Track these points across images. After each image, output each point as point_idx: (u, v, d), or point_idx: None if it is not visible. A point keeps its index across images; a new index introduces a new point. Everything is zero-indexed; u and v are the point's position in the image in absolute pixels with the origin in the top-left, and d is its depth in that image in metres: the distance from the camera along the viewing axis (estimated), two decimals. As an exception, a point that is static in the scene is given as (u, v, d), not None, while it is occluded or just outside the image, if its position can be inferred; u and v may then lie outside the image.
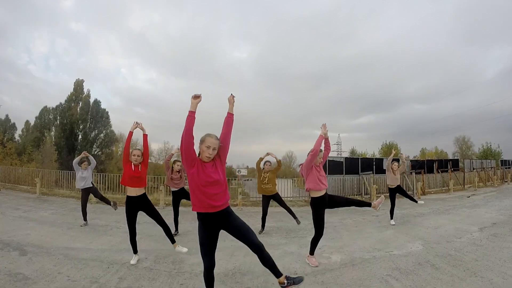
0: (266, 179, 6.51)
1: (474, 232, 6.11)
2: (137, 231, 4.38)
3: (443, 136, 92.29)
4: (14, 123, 40.74)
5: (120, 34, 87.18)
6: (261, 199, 6.85)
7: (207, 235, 2.73)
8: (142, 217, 7.85)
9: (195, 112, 2.74)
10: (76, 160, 7.01)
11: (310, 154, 4.16)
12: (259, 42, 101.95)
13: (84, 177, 6.88)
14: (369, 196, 13.65)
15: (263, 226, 6.58)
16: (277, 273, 2.85)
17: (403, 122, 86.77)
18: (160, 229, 4.50)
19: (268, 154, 6.68)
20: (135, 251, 4.37)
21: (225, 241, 5.34)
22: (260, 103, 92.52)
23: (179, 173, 6.19)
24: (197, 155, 2.72)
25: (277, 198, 6.66)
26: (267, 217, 6.59)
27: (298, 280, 2.82)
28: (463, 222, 7.21)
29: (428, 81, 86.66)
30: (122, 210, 9.04)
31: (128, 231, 4.32)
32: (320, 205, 4.21)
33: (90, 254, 4.59)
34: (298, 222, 6.73)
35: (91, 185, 7.03)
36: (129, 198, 4.33)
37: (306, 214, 8.94)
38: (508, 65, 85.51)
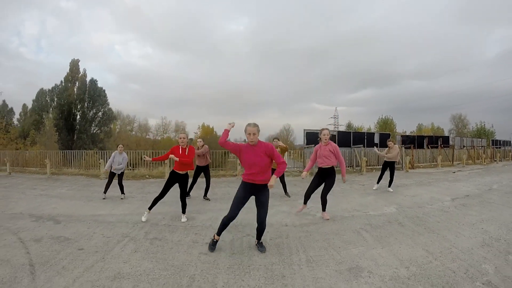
0: None
1: (446, 201, 6.87)
2: (150, 199, 5.31)
3: (441, 113, 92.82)
4: (12, 108, 41.09)
5: (113, 8, 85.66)
6: None
7: (242, 194, 3.68)
8: (152, 187, 8.75)
9: (227, 130, 3.75)
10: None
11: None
12: (257, 16, 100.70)
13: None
14: (359, 167, 14.53)
15: None
16: (259, 238, 3.87)
17: (401, 97, 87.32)
18: (171, 195, 5.36)
19: (274, 140, 7.64)
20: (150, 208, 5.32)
21: (228, 202, 6.35)
22: (258, 77, 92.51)
23: (203, 155, 7.30)
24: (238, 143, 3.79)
25: None
26: None
27: (262, 250, 3.77)
28: (439, 193, 8.00)
29: (428, 58, 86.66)
30: (131, 184, 9.99)
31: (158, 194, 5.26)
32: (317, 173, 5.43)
33: (115, 218, 5.43)
34: (288, 196, 7.57)
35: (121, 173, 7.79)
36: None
37: (299, 183, 9.92)
38: (510, 46, 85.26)
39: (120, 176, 7.68)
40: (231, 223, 3.74)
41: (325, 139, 5.29)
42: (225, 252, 3.73)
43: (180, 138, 5.28)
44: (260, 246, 3.82)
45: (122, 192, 7.55)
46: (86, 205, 6.69)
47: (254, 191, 3.65)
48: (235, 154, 3.74)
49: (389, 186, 8.44)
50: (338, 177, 5.37)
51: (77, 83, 40.61)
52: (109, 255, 3.62)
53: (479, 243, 4.03)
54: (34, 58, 71.22)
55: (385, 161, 8.48)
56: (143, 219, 5.21)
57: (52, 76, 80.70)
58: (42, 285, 2.86)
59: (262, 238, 3.96)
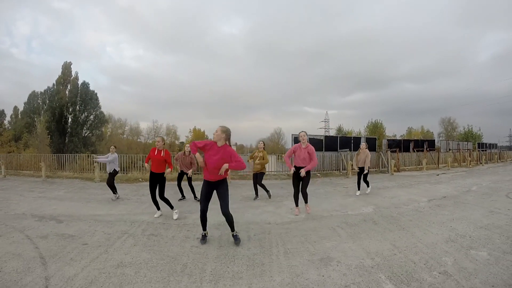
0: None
1: (422, 202, 7.32)
2: (145, 201, 5.82)
3: (432, 116, 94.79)
4: (3, 110, 40.96)
5: (106, 8, 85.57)
6: (248, 174, 8.18)
7: (206, 190, 4.20)
8: (146, 190, 9.18)
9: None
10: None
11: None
12: (253, 17, 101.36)
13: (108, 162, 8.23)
14: (346, 171, 15.07)
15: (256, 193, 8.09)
16: (232, 229, 4.34)
17: (393, 100, 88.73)
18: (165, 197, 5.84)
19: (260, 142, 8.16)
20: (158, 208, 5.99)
21: (217, 203, 6.84)
22: (252, 79, 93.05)
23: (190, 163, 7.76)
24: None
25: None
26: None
27: (237, 243, 4.26)
28: (418, 195, 8.48)
29: (422, 62, 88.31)
30: (126, 187, 10.38)
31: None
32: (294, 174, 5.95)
33: (113, 218, 5.88)
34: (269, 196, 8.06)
35: (109, 172, 8.20)
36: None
37: (286, 186, 10.41)
38: (501, 50, 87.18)
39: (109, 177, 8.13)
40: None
41: (303, 140, 5.80)
42: (213, 245, 4.23)
43: (157, 142, 5.89)
44: (235, 238, 4.29)
45: (114, 193, 7.99)
46: (85, 206, 7.08)
47: (215, 186, 4.20)
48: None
49: (368, 186, 8.81)
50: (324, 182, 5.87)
51: (69, 86, 40.71)
52: (111, 249, 4.09)
53: (444, 239, 4.42)
54: (25, 58, 70.98)
55: (361, 167, 8.72)
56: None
57: (44, 77, 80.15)
58: (54, 273, 3.30)
59: (248, 234, 4.49)
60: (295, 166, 5.87)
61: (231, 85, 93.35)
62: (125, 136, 51.03)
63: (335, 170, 16.23)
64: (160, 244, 4.29)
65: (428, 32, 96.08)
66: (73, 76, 41.17)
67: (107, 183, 8.05)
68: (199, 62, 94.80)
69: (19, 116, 40.52)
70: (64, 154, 16.65)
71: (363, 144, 8.95)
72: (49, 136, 35.39)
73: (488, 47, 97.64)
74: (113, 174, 8.18)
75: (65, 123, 39.63)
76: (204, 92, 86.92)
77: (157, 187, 5.78)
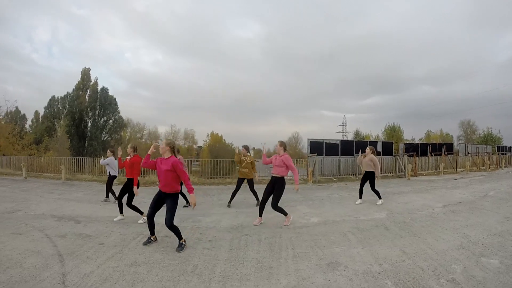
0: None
1: (437, 208, 7.19)
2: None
3: (450, 119, 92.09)
4: (24, 114, 42.29)
5: (125, 14, 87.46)
6: (264, 178, 8.07)
7: (155, 198, 4.44)
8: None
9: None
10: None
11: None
12: (268, 22, 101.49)
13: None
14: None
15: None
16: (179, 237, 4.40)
17: (410, 103, 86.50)
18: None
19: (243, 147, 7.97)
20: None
21: (231, 207, 7.09)
22: (267, 83, 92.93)
23: None
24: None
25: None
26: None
27: (178, 250, 4.26)
28: (433, 200, 8.31)
29: (439, 63, 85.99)
30: (143, 190, 10.59)
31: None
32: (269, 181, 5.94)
33: (130, 220, 6.04)
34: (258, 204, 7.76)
35: (108, 175, 8.52)
36: None
37: (300, 190, 10.20)
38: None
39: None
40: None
41: (278, 151, 5.82)
42: (224, 248, 4.35)
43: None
44: (179, 245, 4.31)
45: (113, 196, 8.21)
46: (102, 208, 7.33)
47: (165, 197, 4.35)
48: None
49: (379, 198, 7.99)
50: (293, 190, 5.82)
51: (88, 91, 41.72)
52: (126, 248, 4.28)
53: (455, 246, 4.35)
54: (45, 64, 73.26)
55: (365, 171, 8.32)
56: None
57: (63, 81, 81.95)
58: (71, 270, 3.48)
59: (259, 237, 4.59)
60: (272, 175, 5.89)
61: (248, 89, 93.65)
62: (143, 140, 51.69)
63: (351, 174, 16.09)
64: (173, 245, 4.40)
65: (441, 34, 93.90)
66: (93, 81, 42.21)
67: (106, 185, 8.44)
68: (216, 67, 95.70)
69: (40, 120, 41.78)
70: (83, 158, 17.12)
71: (367, 149, 8.46)
72: (69, 139, 36.38)
73: (506, 47, 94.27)
74: (110, 178, 8.41)
75: (84, 127, 40.60)
76: (222, 97, 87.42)
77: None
